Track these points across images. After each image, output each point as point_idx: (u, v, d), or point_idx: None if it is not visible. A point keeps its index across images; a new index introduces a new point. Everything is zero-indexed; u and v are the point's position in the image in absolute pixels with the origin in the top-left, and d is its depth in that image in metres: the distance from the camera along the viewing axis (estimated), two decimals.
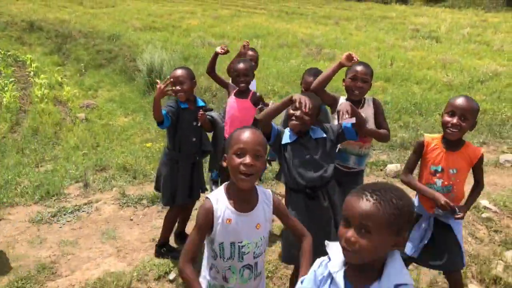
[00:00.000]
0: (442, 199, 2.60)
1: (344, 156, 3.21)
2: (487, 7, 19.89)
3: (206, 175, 4.36)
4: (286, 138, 2.73)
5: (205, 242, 2.07)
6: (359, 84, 3.11)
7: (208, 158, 4.00)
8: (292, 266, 3.02)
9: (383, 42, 13.31)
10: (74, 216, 4.30)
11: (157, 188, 3.67)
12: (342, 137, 2.80)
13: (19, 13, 17.73)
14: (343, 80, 3.22)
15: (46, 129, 7.50)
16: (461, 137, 2.64)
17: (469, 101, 2.56)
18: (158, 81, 3.25)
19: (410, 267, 3.47)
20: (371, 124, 3.15)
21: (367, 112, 3.17)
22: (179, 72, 3.39)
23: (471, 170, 2.73)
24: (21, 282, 3.30)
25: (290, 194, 2.78)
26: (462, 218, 2.64)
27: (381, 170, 5.52)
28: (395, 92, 8.80)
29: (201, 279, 2.14)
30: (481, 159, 2.67)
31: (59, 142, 7.09)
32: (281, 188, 4.98)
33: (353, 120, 2.71)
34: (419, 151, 2.78)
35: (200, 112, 3.40)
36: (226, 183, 2.06)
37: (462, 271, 2.91)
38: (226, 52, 4.10)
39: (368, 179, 4.96)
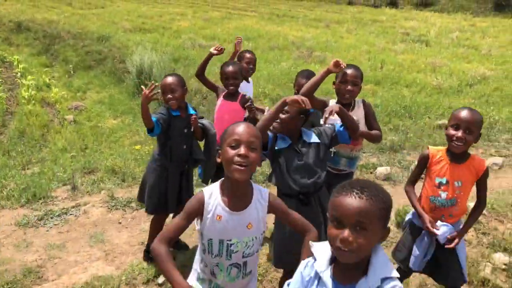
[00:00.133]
0: (426, 223, 2.63)
1: (335, 159, 3.21)
2: (475, 11, 20.14)
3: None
4: (279, 143, 2.71)
5: (198, 235, 2.05)
6: (349, 87, 3.12)
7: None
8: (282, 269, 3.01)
9: (373, 45, 13.39)
10: (61, 220, 4.24)
11: (140, 198, 3.57)
12: (336, 141, 2.80)
13: (7, 13, 17.52)
14: (333, 83, 3.23)
15: (33, 131, 7.41)
16: (467, 150, 2.61)
17: (473, 113, 2.52)
18: (143, 87, 3.18)
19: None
20: (362, 126, 3.17)
21: (358, 114, 3.18)
22: (170, 79, 3.34)
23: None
24: (6, 286, 3.24)
25: (281, 198, 2.75)
26: (453, 246, 2.62)
27: (371, 172, 5.54)
28: (385, 95, 8.86)
29: (192, 271, 2.14)
30: (486, 172, 2.63)
31: (46, 144, 7.01)
32: (272, 190, 4.97)
33: (338, 120, 2.71)
34: (424, 163, 2.74)
35: (193, 117, 3.35)
36: (221, 179, 2.02)
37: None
38: (221, 51, 4.08)
39: None
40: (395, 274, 1.48)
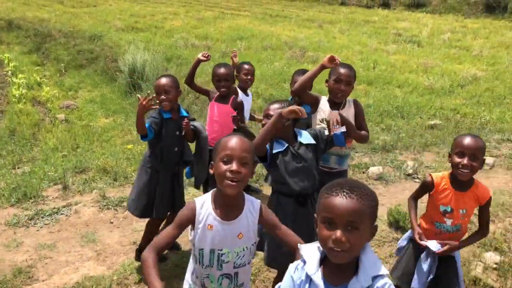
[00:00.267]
0: (416, 235, 2.67)
1: (325, 157, 3.21)
2: (467, 13, 20.27)
3: None
4: (276, 146, 2.70)
5: (191, 245, 2.05)
6: (343, 87, 3.14)
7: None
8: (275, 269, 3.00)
9: (366, 45, 13.43)
10: (52, 219, 4.20)
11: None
12: (331, 144, 2.81)
13: None
14: (326, 81, 3.24)
15: (23, 130, 7.34)
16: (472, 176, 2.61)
17: (477, 140, 2.53)
18: (139, 96, 3.12)
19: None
20: None
21: (349, 113, 3.21)
22: (164, 80, 3.31)
23: None
24: None
25: (278, 197, 2.75)
26: (441, 253, 2.64)
27: (363, 172, 5.56)
28: (377, 95, 8.89)
29: (184, 282, 2.14)
30: (489, 201, 2.65)
31: (37, 144, 6.95)
32: (267, 190, 4.96)
33: (343, 129, 2.73)
34: (426, 190, 2.75)
35: (185, 121, 3.33)
36: (214, 189, 2.04)
37: None
38: (208, 58, 4.07)
39: None
40: (385, 271, 1.50)
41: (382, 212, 4.18)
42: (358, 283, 1.46)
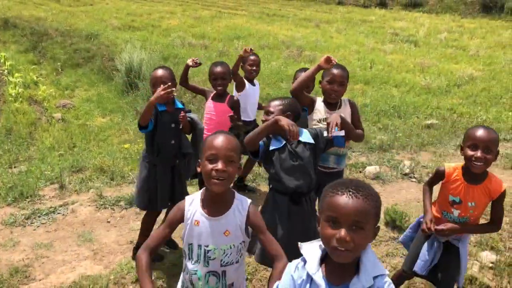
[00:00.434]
0: (425, 224, 2.64)
1: (324, 156, 3.22)
2: (464, 13, 20.34)
3: None
4: (273, 143, 2.71)
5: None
6: (336, 87, 3.17)
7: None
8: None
9: (363, 45, 13.46)
10: (49, 218, 4.19)
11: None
12: (330, 144, 2.82)
13: None
14: (320, 82, 3.27)
15: (20, 129, 7.31)
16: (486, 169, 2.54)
17: (490, 132, 2.45)
18: (161, 87, 3.08)
19: (389, 267, 3.50)
20: None
21: (345, 112, 3.22)
22: (161, 72, 3.31)
23: None
24: None
25: (273, 195, 2.76)
26: (443, 232, 2.62)
27: (360, 172, 5.57)
28: (374, 94, 8.90)
29: (180, 278, 2.17)
30: (502, 195, 2.55)
31: (34, 143, 6.92)
32: (264, 189, 4.97)
33: (343, 132, 2.74)
34: (438, 178, 2.72)
35: (182, 114, 3.32)
36: (205, 187, 2.05)
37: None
38: (198, 65, 4.05)
39: None
40: (385, 271, 1.51)
41: None
42: (360, 283, 1.46)
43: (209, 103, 4.09)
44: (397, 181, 5.36)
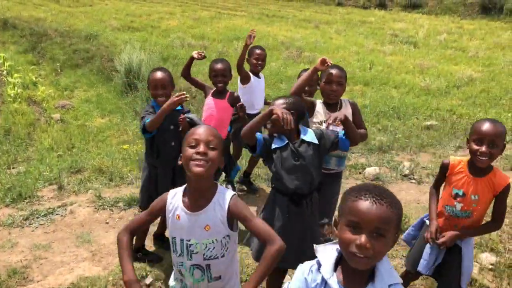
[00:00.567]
0: (428, 233, 2.62)
1: (326, 158, 3.22)
2: (463, 14, 20.34)
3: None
4: (276, 142, 2.70)
5: None
6: (334, 87, 3.18)
7: None
8: None
9: (362, 46, 13.45)
10: (47, 219, 4.18)
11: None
12: (336, 146, 2.80)
13: None
14: (318, 84, 3.27)
15: (19, 130, 7.29)
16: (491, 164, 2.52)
17: (496, 126, 2.39)
18: (181, 93, 3.10)
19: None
20: None
21: (347, 113, 3.20)
22: (161, 74, 3.30)
23: None
24: None
25: (274, 193, 2.76)
26: (445, 244, 2.60)
27: (360, 173, 5.56)
28: (374, 96, 8.90)
29: (174, 270, 2.18)
30: (506, 189, 2.52)
31: (32, 143, 6.90)
32: (266, 189, 4.95)
33: (340, 128, 2.72)
34: (443, 172, 2.71)
35: (181, 117, 3.31)
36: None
37: None
38: (203, 57, 4.06)
39: (347, 181, 4.98)
40: (400, 280, 1.49)
41: None
42: None
43: (209, 100, 4.08)
44: (396, 182, 5.36)
